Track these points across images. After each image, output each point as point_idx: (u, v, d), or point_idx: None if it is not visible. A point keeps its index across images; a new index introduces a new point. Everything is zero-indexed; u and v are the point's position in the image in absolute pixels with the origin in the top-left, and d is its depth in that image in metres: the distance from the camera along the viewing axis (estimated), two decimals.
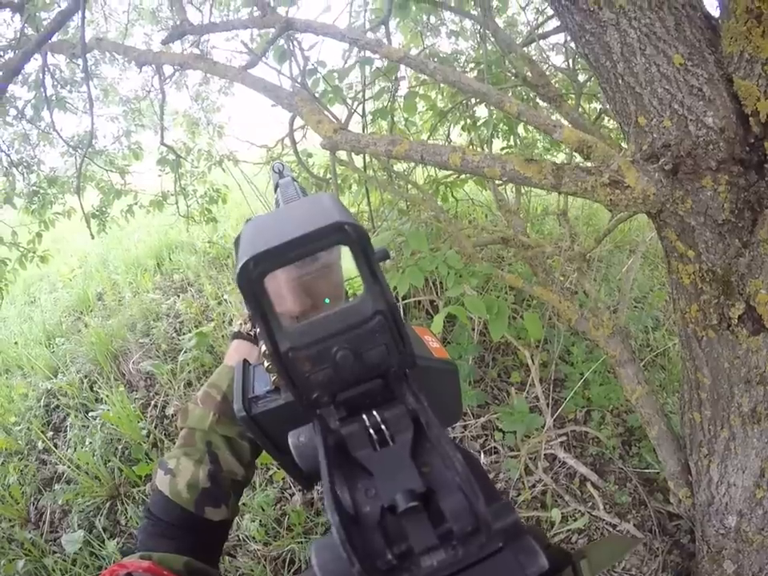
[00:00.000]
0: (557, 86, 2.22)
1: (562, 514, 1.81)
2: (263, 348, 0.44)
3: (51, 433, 2.49)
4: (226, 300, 3.21)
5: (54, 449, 2.39)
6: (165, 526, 0.53)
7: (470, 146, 2.67)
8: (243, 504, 1.95)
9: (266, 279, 0.27)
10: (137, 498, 2.18)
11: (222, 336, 2.76)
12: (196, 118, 3.30)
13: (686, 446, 1.33)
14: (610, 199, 1.00)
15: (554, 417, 2.08)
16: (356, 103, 1.99)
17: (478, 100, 2.38)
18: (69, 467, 2.20)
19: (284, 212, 0.35)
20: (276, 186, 0.70)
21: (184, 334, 3.01)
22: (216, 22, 1.58)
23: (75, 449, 2.32)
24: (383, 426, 0.30)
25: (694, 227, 0.97)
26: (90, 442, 2.26)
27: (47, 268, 3.29)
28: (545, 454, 2.03)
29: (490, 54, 2.20)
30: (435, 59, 2.32)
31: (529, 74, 1.73)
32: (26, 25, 1.63)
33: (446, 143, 2.51)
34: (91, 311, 3.54)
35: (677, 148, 0.92)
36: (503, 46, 1.76)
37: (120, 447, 2.32)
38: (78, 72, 2.47)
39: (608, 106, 1.30)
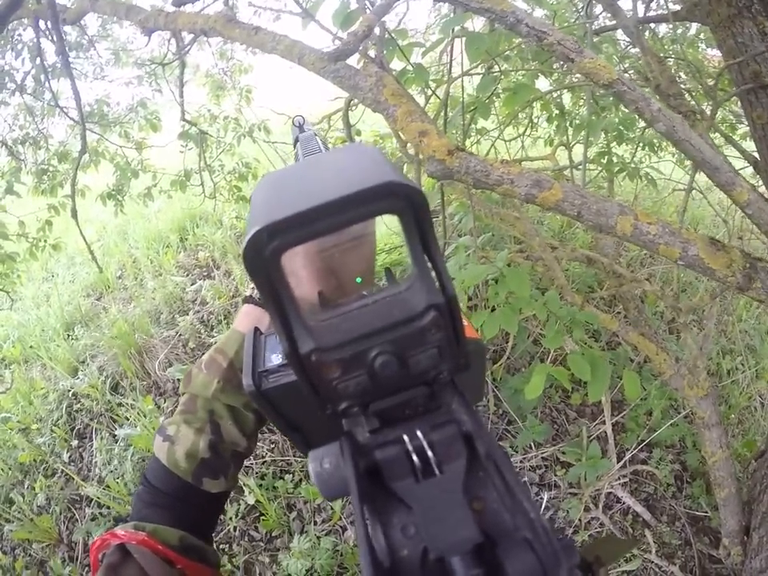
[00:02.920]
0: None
1: None
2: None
3: (76, 441, 2.33)
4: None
5: (80, 461, 2.24)
6: (161, 495, 0.51)
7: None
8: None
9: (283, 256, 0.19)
10: None
11: None
12: (221, 80, 2.86)
13: (751, 514, 1.37)
14: None
15: (622, 462, 1.97)
16: (434, 86, 1.60)
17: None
18: (98, 491, 2.04)
19: (312, 165, 0.23)
20: (296, 142, 0.62)
21: (212, 326, 2.78)
22: None
23: (105, 465, 2.15)
24: (429, 453, 0.22)
25: None
26: (120, 463, 2.09)
27: (65, 239, 3.02)
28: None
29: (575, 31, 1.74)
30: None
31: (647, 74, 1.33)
32: None
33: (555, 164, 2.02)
34: (111, 292, 3.31)
35: None
36: (627, 33, 1.35)
37: None
38: (85, 35, 2.08)
39: None
